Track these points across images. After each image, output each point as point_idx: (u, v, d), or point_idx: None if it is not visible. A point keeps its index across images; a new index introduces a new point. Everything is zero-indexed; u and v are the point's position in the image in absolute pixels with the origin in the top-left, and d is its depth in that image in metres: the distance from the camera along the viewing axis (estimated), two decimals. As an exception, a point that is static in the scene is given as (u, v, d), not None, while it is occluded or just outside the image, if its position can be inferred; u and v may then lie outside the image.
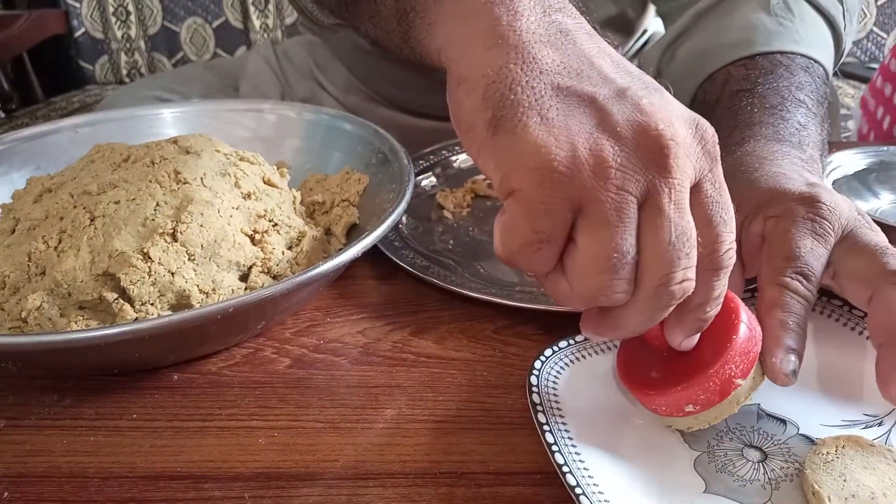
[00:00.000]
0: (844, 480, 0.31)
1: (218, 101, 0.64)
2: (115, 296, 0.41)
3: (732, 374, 0.31)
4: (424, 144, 0.67)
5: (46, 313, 0.41)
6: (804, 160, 0.43)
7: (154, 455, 0.37)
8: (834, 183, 0.53)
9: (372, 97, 0.85)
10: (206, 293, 0.43)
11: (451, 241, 0.56)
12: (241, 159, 0.50)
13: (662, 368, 0.33)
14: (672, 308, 0.29)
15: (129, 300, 0.41)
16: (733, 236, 0.29)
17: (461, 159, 0.69)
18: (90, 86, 1.52)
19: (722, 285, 0.30)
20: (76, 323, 0.40)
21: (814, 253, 0.35)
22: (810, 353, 0.39)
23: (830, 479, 0.31)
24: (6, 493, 0.35)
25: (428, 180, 0.65)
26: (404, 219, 0.57)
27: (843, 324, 0.40)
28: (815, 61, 0.53)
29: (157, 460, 0.36)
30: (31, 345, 0.37)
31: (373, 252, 0.47)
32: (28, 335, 0.39)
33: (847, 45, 0.58)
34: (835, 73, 0.57)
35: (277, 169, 0.52)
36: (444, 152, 0.69)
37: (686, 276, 0.28)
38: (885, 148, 0.57)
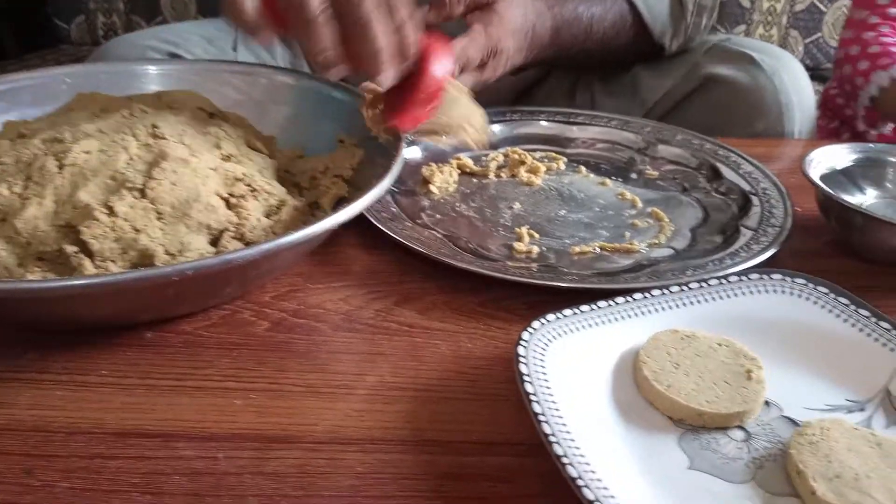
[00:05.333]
0: (829, 461, 0.31)
1: (212, 61, 0.61)
2: (76, 249, 0.39)
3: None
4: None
5: (4, 261, 0.39)
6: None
7: (124, 412, 0.35)
8: (822, 177, 0.53)
9: None
10: (173, 255, 0.41)
11: (438, 215, 0.55)
12: (225, 120, 0.48)
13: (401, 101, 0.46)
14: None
15: (90, 255, 0.39)
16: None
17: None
18: (65, 45, 1.47)
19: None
20: (32, 274, 0.39)
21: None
22: (795, 339, 0.39)
23: (815, 459, 0.31)
24: (-34, 446, 0.33)
25: (413, 154, 0.64)
26: (390, 191, 0.56)
27: (828, 311, 0.40)
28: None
29: (127, 417, 0.35)
30: None
31: (358, 222, 0.46)
32: None
33: (691, 23, 0.78)
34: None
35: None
36: (431, 127, 0.68)
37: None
38: (872, 145, 0.57)
